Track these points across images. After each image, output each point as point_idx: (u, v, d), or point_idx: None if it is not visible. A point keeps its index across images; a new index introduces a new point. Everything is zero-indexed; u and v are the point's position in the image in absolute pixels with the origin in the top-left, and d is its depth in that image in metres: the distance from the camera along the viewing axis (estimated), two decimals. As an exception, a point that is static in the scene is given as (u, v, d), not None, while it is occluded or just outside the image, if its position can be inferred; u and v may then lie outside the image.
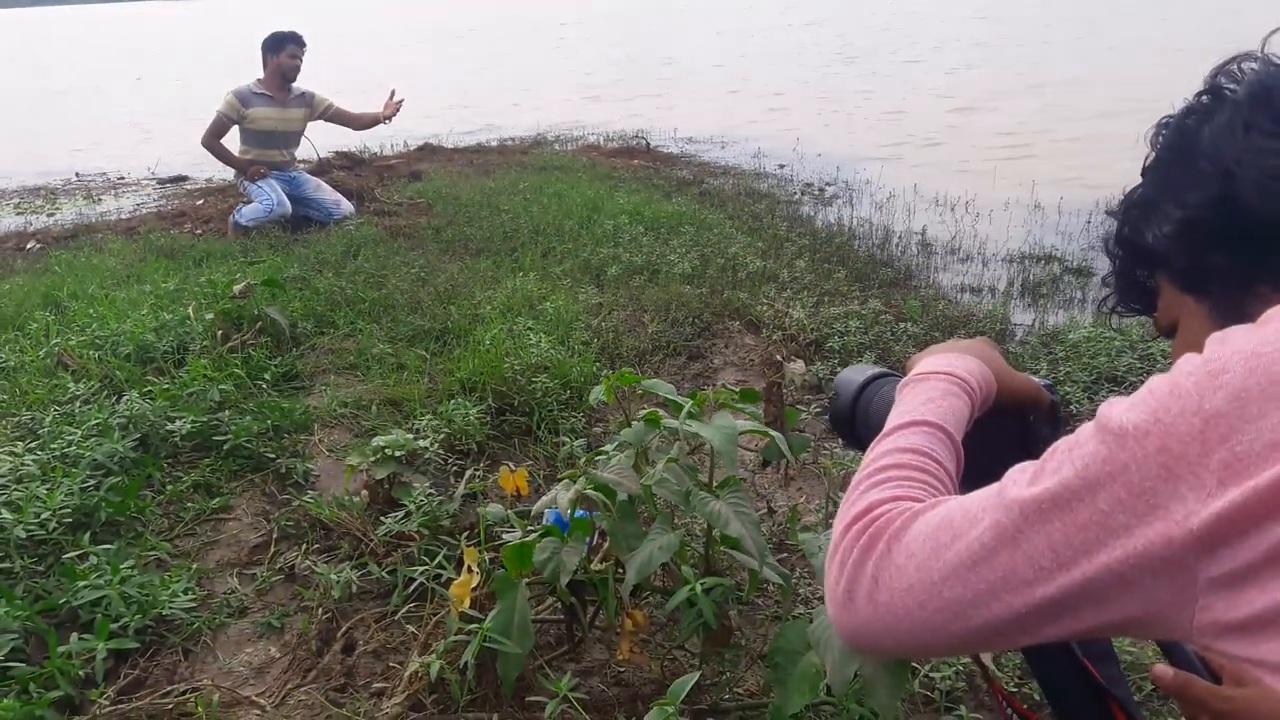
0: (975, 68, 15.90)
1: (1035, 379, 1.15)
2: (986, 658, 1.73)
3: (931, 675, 2.12)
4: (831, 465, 3.04)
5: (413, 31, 35.34)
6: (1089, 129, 9.73)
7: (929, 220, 6.58)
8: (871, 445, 0.97)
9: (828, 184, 8.02)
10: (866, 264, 5.40)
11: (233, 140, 6.44)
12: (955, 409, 1.00)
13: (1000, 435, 1.08)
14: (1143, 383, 2.86)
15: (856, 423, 1.21)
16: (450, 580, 2.11)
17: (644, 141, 10.02)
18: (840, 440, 1.33)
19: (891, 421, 0.99)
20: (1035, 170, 7.78)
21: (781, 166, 8.81)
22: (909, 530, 0.81)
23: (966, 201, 7.07)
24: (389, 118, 6.61)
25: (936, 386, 1.02)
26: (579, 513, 2.06)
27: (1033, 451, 0.83)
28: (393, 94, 6.60)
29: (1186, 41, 17.12)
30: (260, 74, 6.43)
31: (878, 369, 1.25)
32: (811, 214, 6.87)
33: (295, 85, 6.49)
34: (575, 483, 2.02)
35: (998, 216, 6.62)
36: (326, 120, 6.69)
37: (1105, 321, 4.15)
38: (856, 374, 1.24)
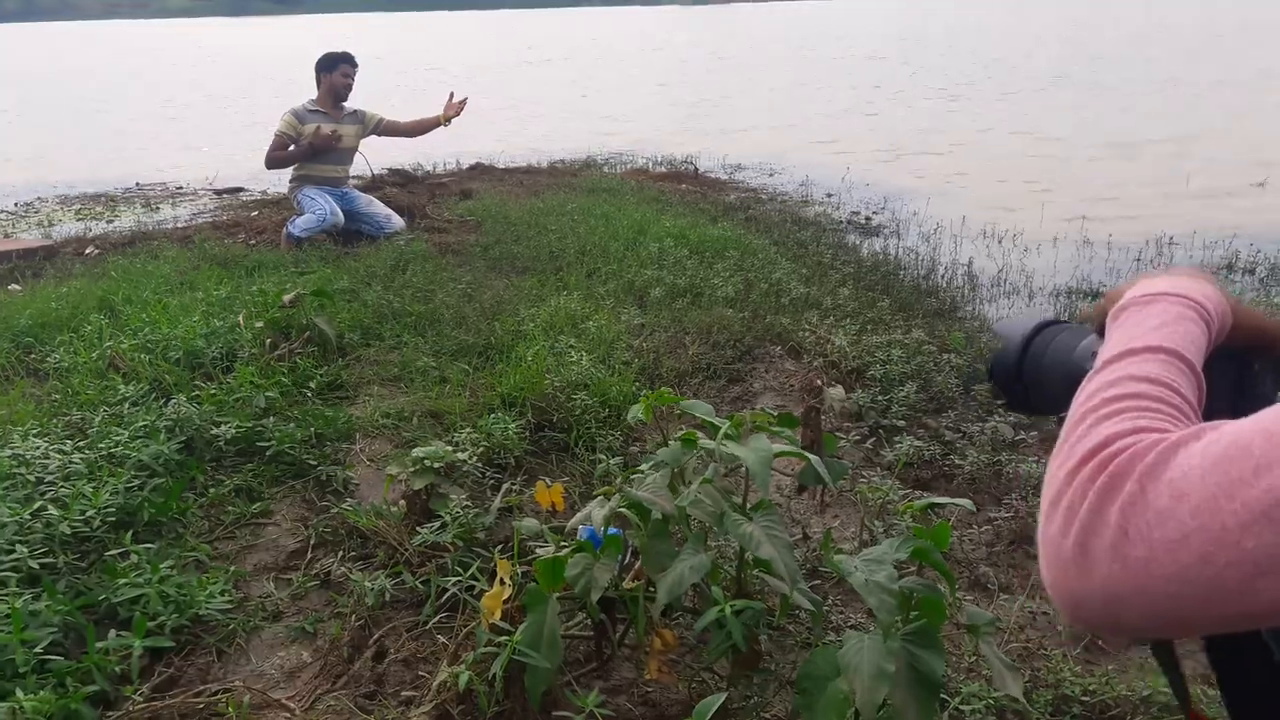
0: (1030, 101, 15.77)
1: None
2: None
3: (961, 708, 2.08)
4: (869, 491, 3.01)
5: (470, 54, 35.90)
6: (1142, 167, 9.61)
7: (975, 252, 6.53)
8: (1086, 380, 0.78)
9: (875, 213, 7.99)
10: (911, 294, 5.36)
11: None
12: (1192, 336, 0.82)
13: (1211, 381, 0.88)
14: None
15: (1024, 376, 1.03)
16: (483, 592, 2.12)
17: (692, 166, 10.07)
18: (1001, 402, 1.10)
19: (1112, 349, 0.80)
20: (1087, 207, 7.69)
21: (829, 195, 8.80)
22: (1171, 465, 0.64)
23: (1014, 235, 7.00)
24: (449, 119, 6.69)
25: (1168, 309, 0.83)
26: (612, 530, 2.07)
27: (1247, 408, 0.68)
28: (452, 95, 6.70)
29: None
30: (314, 93, 6.59)
31: (1049, 315, 1.06)
32: (857, 243, 6.85)
33: (347, 104, 6.63)
34: (610, 500, 2.03)
35: (1045, 251, 6.54)
36: (379, 134, 6.81)
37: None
38: (1023, 320, 1.06)
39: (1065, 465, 0.69)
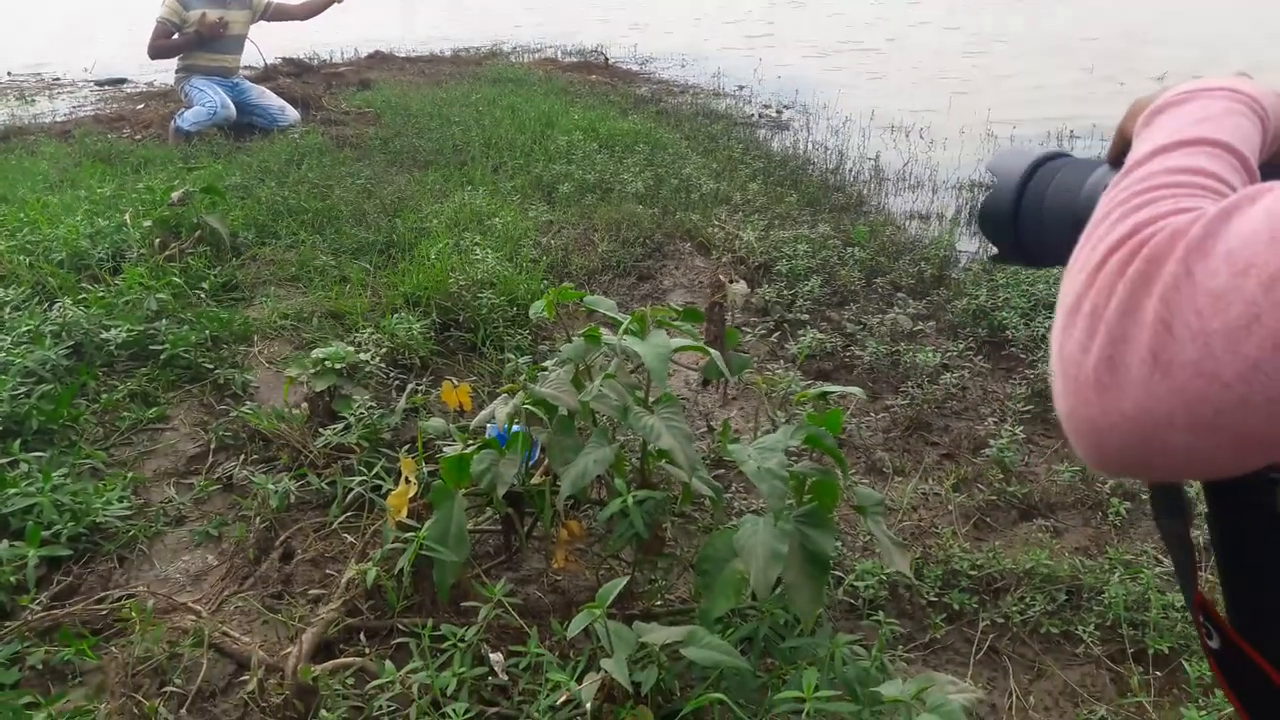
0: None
1: None
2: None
3: (855, 584, 2.19)
4: (763, 382, 3.08)
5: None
6: (1041, 64, 9.73)
7: (883, 146, 6.57)
8: (1113, 183, 0.64)
9: (786, 106, 7.96)
10: (819, 188, 5.40)
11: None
12: (1244, 131, 0.67)
13: None
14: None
15: (1022, 220, 0.88)
16: (389, 492, 2.12)
17: (603, 56, 9.82)
18: (994, 250, 0.94)
19: (1140, 152, 0.65)
20: (990, 99, 7.78)
21: (741, 88, 8.71)
22: (1224, 234, 0.50)
23: (921, 129, 7.06)
24: (310, 9, 6.39)
25: (1211, 104, 0.68)
26: (517, 427, 2.08)
27: None
28: None
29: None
30: None
31: (1051, 149, 0.90)
32: (767, 137, 6.83)
33: None
34: (514, 397, 2.04)
35: (951, 144, 6.62)
36: (270, 19, 6.45)
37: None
38: (1020, 155, 0.90)
39: (1086, 265, 0.56)
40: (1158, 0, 14.35)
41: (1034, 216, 0.87)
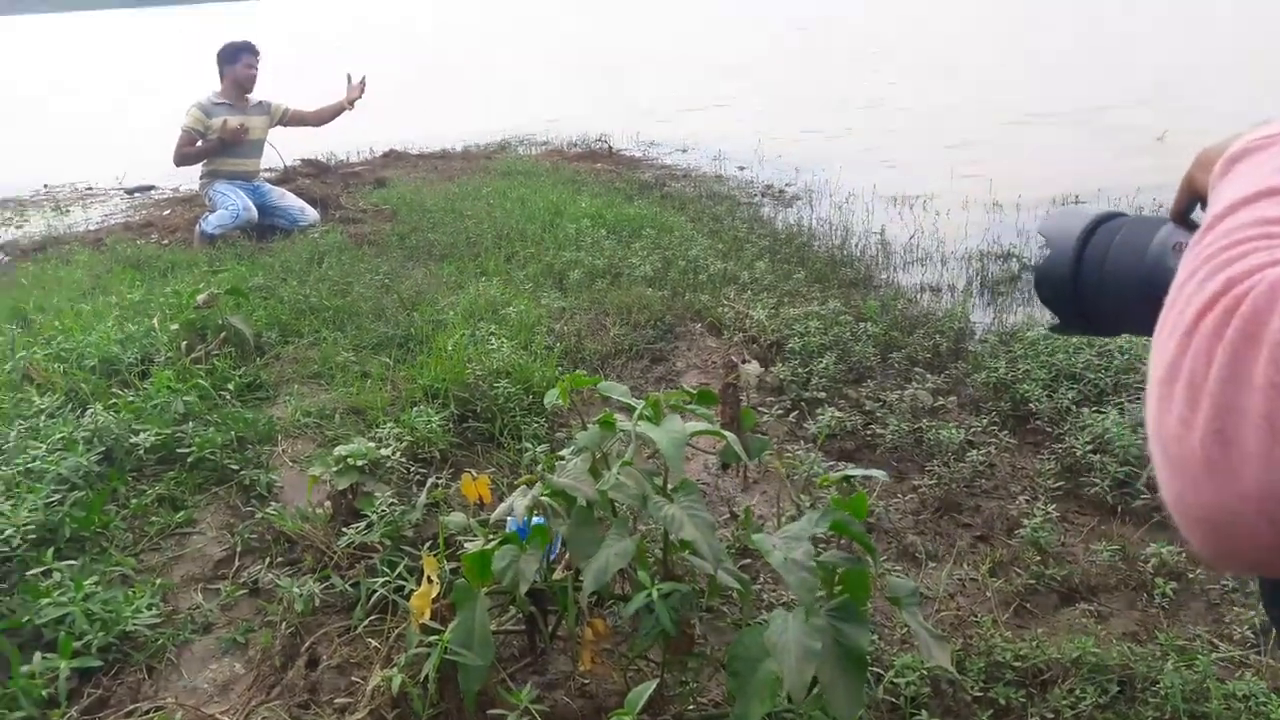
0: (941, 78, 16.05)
1: None
2: None
3: (895, 680, 2.13)
4: (793, 464, 3.08)
5: (373, 34, 35.11)
6: (1043, 132, 9.88)
7: (888, 220, 6.65)
8: (1190, 247, 0.58)
9: (788, 185, 8.08)
10: (826, 264, 5.45)
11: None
12: None
13: None
14: (1102, 380, 2.89)
15: (1083, 285, 0.81)
16: (412, 592, 2.12)
17: (606, 145, 10.04)
18: (1052, 318, 0.87)
19: (1221, 205, 0.60)
20: (992, 170, 7.88)
21: (742, 169, 8.86)
22: None
23: (925, 200, 7.15)
24: (353, 102, 6.63)
25: None
26: (537, 520, 2.09)
27: None
28: (350, 77, 6.59)
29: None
30: (218, 86, 6.41)
31: (1106, 210, 0.85)
32: (772, 215, 6.93)
33: (251, 95, 6.47)
34: (532, 489, 2.05)
35: (956, 215, 6.70)
36: (286, 125, 6.67)
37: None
38: (1073, 216, 0.84)
39: (1176, 328, 0.50)
40: (1154, 65, 14.61)
41: (1095, 281, 0.80)
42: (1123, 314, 0.77)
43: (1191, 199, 0.71)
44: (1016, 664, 2.19)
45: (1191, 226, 0.75)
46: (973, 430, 3.32)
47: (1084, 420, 3.24)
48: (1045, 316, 4.53)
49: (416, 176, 8.44)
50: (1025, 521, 2.75)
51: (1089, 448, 3.09)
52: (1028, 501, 2.92)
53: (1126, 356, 3.59)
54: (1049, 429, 3.33)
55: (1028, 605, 2.50)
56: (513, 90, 16.36)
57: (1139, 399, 3.32)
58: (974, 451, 3.16)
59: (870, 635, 1.57)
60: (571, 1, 58.50)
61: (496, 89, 16.77)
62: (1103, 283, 0.80)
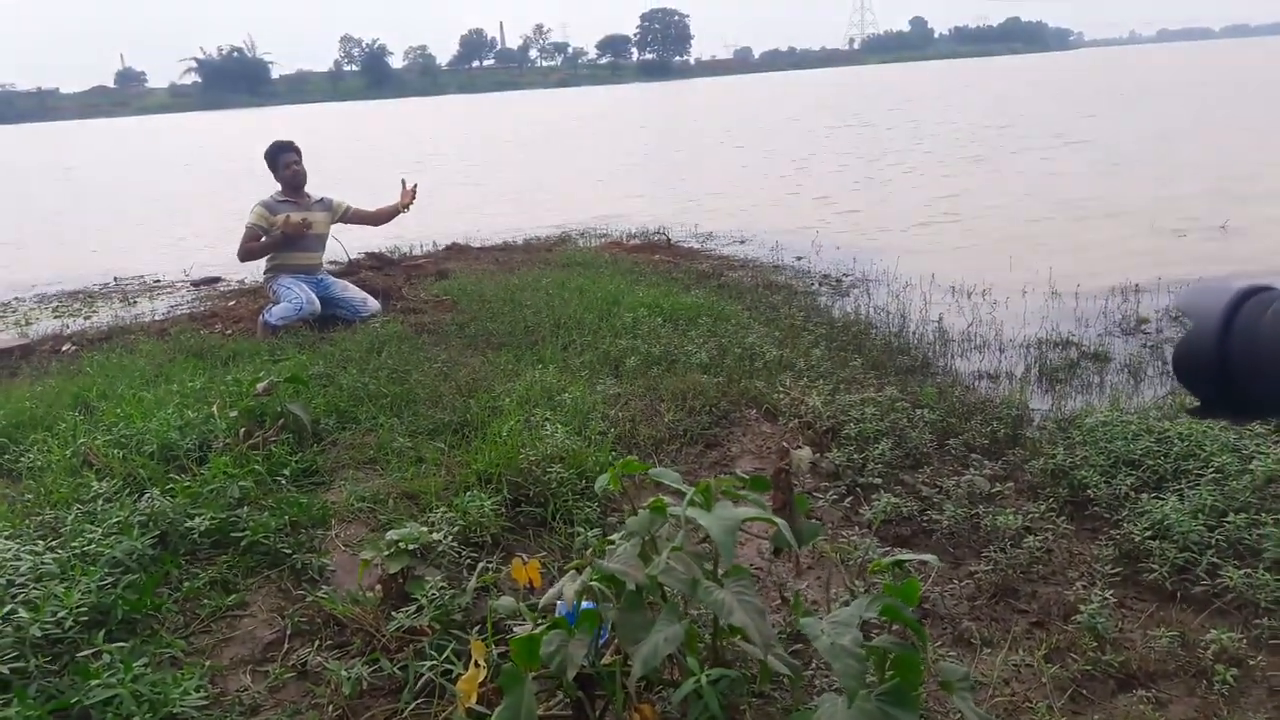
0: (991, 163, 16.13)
1: None
2: None
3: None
4: (847, 550, 3.01)
5: (435, 136, 36.46)
6: (1102, 223, 9.81)
7: (945, 308, 6.62)
8: None
9: (844, 275, 8.10)
10: (883, 352, 5.43)
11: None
12: None
13: None
14: (1162, 466, 2.85)
15: (1233, 366, 0.74)
16: (460, 676, 2.09)
17: (664, 237, 10.20)
18: (1193, 403, 0.80)
19: None
20: (1051, 261, 7.83)
21: (799, 259, 8.92)
22: None
23: (983, 290, 7.11)
24: (407, 206, 6.86)
25: None
26: (587, 604, 2.06)
27: None
28: (404, 182, 6.84)
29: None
30: (276, 186, 6.70)
31: (1252, 283, 0.78)
32: (828, 304, 6.93)
33: (312, 191, 6.74)
34: (581, 573, 2.03)
35: (1014, 303, 6.65)
36: (347, 222, 6.91)
37: (1120, 405, 4.14)
38: (1217, 290, 0.77)
39: None
40: (1207, 157, 14.51)
41: (1248, 359, 0.73)
42: None
43: None
44: (1076, 754, 2.09)
45: None
46: (1030, 516, 3.23)
47: (1143, 506, 3.15)
48: (1103, 403, 4.44)
49: (478, 268, 8.64)
50: (1082, 607, 2.66)
51: (1148, 534, 3.01)
52: (1085, 587, 2.83)
53: (1186, 443, 3.48)
54: (1107, 515, 3.24)
55: (1084, 692, 2.40)
56: (574, 184, 16.80)
57: (1198, 485, 3.21)
58: (1031, 537, 3.08)
59: (923, 721, 1.50)
60: (636, 101, 60.38)
61: (558, 183, 17.23)
62: (1258, 362, 0.72)
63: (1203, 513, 3.04)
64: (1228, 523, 2.96)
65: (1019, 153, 16.96)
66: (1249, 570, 2.75)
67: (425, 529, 2.94)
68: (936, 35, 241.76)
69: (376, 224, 7.07)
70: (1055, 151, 16.88)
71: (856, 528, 3.33)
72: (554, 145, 28.05)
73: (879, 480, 3.61)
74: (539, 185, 17.38)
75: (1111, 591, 2.77)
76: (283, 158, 6.65)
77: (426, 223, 12.10)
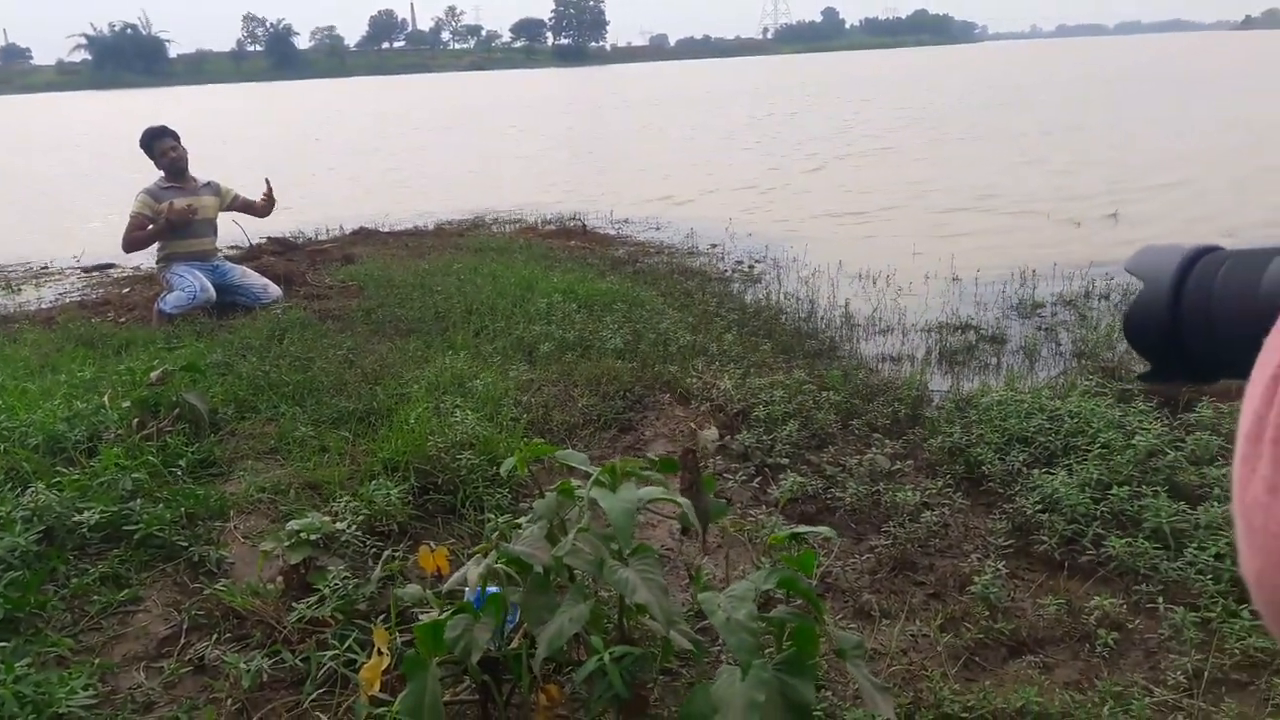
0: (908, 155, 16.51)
1: None
2: None
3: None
4: (741, 528, 3.05)
5: (348, 119, 35.65)
6: (998, 213, 10.14)
7: (852, 294, 6.75)
8: None
9: (757, 261, 8.20)
10: (792, 336, 5.52)
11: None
12: None
13: None
14: (1052, 443, 2.98)
15: (1186, 326, 0.72)
16: (364, 665, 2.06)
17: (580, 223, 10.16)
18: (1145, 368, 0.72)
19: None
20: (954, 245, 8.06)
21: (714, 246, 8.99)
22: None
23: (888, 276, 7.27)
24: (266, 208, 6.61)
25: None
26: (492, 589, 2.05)
27: None
28: (267, 181, 6.55)
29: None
30: (159, 173, 6.45)
31: (1203, 244, 0.75)
32: (741, 290, 7.01)
33: (198, 175, 6.51)
34: (486, 557, 2.02)
35: (917, 289, 6.82)
36: (232, 210, 6.69)
37: (1014, 385, 4.31)
38: (1168, 251, 0.75)
39: (1263, 376, 0.42)
40: (1089, 147, 15.11)
41: (1201, 322, 0.70)
42: (1234, 357, 0.63)
43: None
44: (965, 715, 2.20)
45: None
46: (928, 492, 3.34)
47: (1034, 481, 3.29)
48: (999, 383, 4.60)
49: (386, 253, 8.48)
50: (976, 579, 2.77)
51: (1038, 507, 3.15)
52: (979, 559, 2.94)
53: (1075, 421, 3.63)
54: (1000, 490, 3.36)
55: (977, 659, 2.50)
56: (489, 169, 16.61)
57: (1085, 460, 3.35)
58: (929, 512, 3.18)
59: (815, 688, 1.53)
60: (552, 86, 59.94)
61: (473, 168, 17.02)
62: (1212, 323, 0.69)
63: (1089, 486, 3.18)
64: (1112, 495, 3.10)
65: (928, 144, 17.38)
66: (1130, 540, 2.88)
67: (328, 519, 2.89)
68: (848, 26, 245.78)
69: (259, 215, 6.81)
70: (961, 142, 17.35)
71: (764, 506, 3.39)
72: (468, 129, 27.68)
73: (786, 460, 3.68)
74: (452, 169, 17.13)
75: (1004, 563, 2.88)
76: (158, 144, 6.38)
77: (333, 206, 11.84)
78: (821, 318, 6.13)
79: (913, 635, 2.60)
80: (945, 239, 8.66)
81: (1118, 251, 7.79)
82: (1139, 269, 0.74)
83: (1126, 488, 3.11)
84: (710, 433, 2.50)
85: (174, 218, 6.15)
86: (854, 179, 13.25)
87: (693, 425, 2.61)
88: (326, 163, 19.23)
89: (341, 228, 10.10)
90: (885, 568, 2.94)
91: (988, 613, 2.63)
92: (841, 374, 4.53)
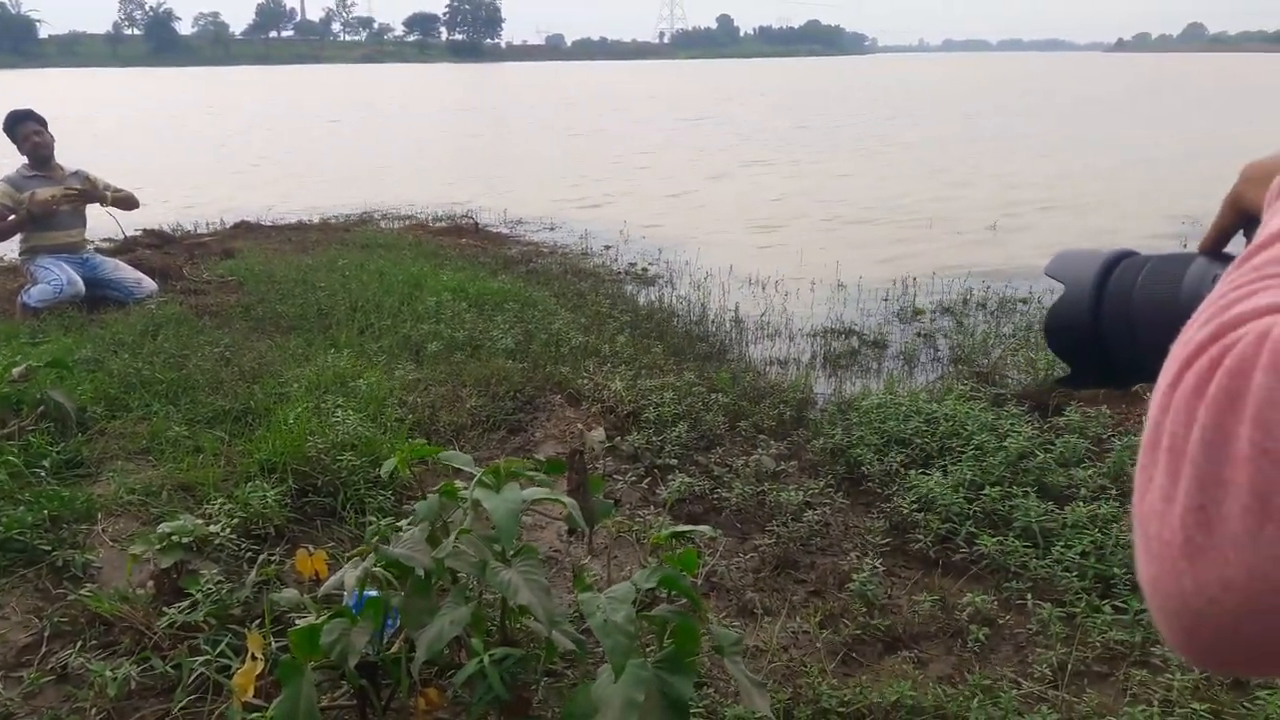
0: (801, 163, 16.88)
1: None
2: None
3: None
4: (626, 529, 3.08)
5: (234, 110, 34.44)
6: (887, 221, 10.48)
7: (742, 298, 6.88)
8: (1226, 273, 0.48)
9: (650, 264, 8.26)
10: (683, 339, 5.59)
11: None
12: None
13: None
14: (929, 444, 3.08)
15: (1106, 330, 0.71)
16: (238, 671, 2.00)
17: (472, 221, 10.05)
18: (1064, 372, 0.76)
19: (1270, 229, 0.49)
20: (840, 253, 8.30)
21: (608, 248, 9.01)
22: None
23: (776, 281, 7.44)
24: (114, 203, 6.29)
25: None
26: (371, 593, 2.02)
27: None
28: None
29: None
30: (22, 160, 6.10)
31: (1122, 248, 0.74)
32: (634, 292, 7.05)
33: (65, 164, 6.18)
34: (365, 560, 1.98)
35: (804, 295, 7.00)
36: (98, 201, 6.35)
37: (894, 389, 4.47)
38: (1087, 256, 0.74)
39: (1162, 384, 0.43)
40: (992, 155, 15.77)
41: (1123, 326, 0.69)
42: (1154, 363, 0.60)
43: (1237, 221, 0.61)
44: (841, 710, 2.26)
45: (1227, 259, 0.65)
46: (810, 492, 3.43)
47: (911, 481, 3.41)
48: (879, 387, 4.76)
49: (268, 248, 8.22)
50: (855, 576, 2.86)
51: (915, 506, 3.27)
52: (858, 557, 3.04)
53: (950, 423, 3.79)
54: (879, 490, 3.48)
55: (855, 654, 2.59)
56: (379, 164, 16.27)
57: (960, 461, 3.50)
58: (811, 512, 3.27)
59: (693, 685, 1.56)
60: (446, 82, 59.10)
61: (362, 162, 16.64)
62: (1132, 327, 0.69)
63: (963, 486, 3.31)
64: (984, 495, 3.24)
65: (821, 154, 17.82)
66: (1001, 538, 3.01)
67: (201, 521, 2.80)
68: (742, 34, 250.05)
69: (125, 209, 6.46)
70: (853, 153, 17.85)
71: (653, 507, 3.42)
72: (358, 123, 27.07)
73: (675, 461, 3.73)
74: (341, 163, 16.72)
75: (881, 560, 2.98)
76: (21, 129, 6.02)
77: (214, 199, 11.42)
78: (712, 321, 6.22)
79: (793, 632, 2.67)
80: (832, 247, 8.90)
81: (996, 261, 8.16)
82: (1059, 273, 0.74)
83: (998, 488, 3.26)
84: (598, 433, 2.52)
85: (35, 209, 5.82)
86: (750, 186, 13.49)
87: (580, 426, 2.62)
88: (208, 153, 18.53)
89: (222, 221, 9.75)
90: (768, 566, 3.01)
91: (865, 609, 2.72)
92: (730, 376, 4.62)
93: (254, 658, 1.95)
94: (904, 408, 3.95)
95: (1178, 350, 0.43)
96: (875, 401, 4.08)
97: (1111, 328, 0.70)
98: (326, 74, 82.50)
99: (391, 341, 5.08)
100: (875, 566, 2.91)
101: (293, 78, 71.75)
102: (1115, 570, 2.82)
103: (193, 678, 2.26)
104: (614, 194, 12.81)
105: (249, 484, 3.19)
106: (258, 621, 2.42)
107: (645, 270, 8.04)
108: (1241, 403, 0.37)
